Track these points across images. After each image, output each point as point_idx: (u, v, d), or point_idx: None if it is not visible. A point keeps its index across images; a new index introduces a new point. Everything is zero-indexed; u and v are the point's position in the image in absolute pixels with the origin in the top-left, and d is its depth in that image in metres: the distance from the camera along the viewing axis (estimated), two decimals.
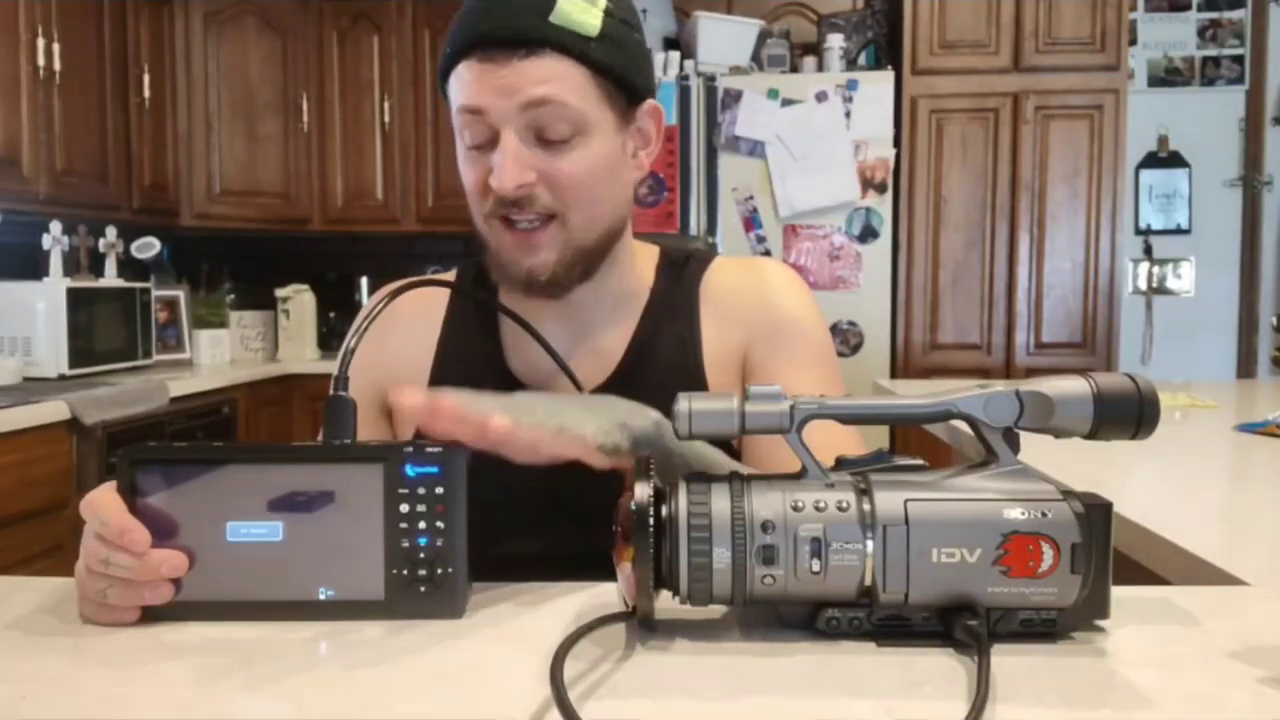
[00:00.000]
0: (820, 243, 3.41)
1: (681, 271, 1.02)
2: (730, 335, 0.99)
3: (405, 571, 0.68)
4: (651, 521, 0.60)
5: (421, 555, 0.68)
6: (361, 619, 0.67)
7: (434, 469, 0.68)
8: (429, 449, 0.68)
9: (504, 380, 0.97)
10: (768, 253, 3.40)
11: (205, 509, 0.68)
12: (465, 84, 0.87)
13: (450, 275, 1.07)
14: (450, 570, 0.68)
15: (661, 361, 0.96)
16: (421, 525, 0.68)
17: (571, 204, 0.88)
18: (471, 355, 1.00)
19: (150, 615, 0.67)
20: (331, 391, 0.73)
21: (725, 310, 1.00)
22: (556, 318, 0.97)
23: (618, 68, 0.89)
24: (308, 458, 0.69)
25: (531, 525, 0.92)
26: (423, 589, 0.68)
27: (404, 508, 0.68)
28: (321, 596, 0.68)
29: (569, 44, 0.85)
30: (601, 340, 0.98)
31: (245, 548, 0.68)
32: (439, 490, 0.68)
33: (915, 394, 0.64)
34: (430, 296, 1.02)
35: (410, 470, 0.68)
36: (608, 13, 0.88)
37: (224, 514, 0.68)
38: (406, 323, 1.00)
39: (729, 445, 0.93)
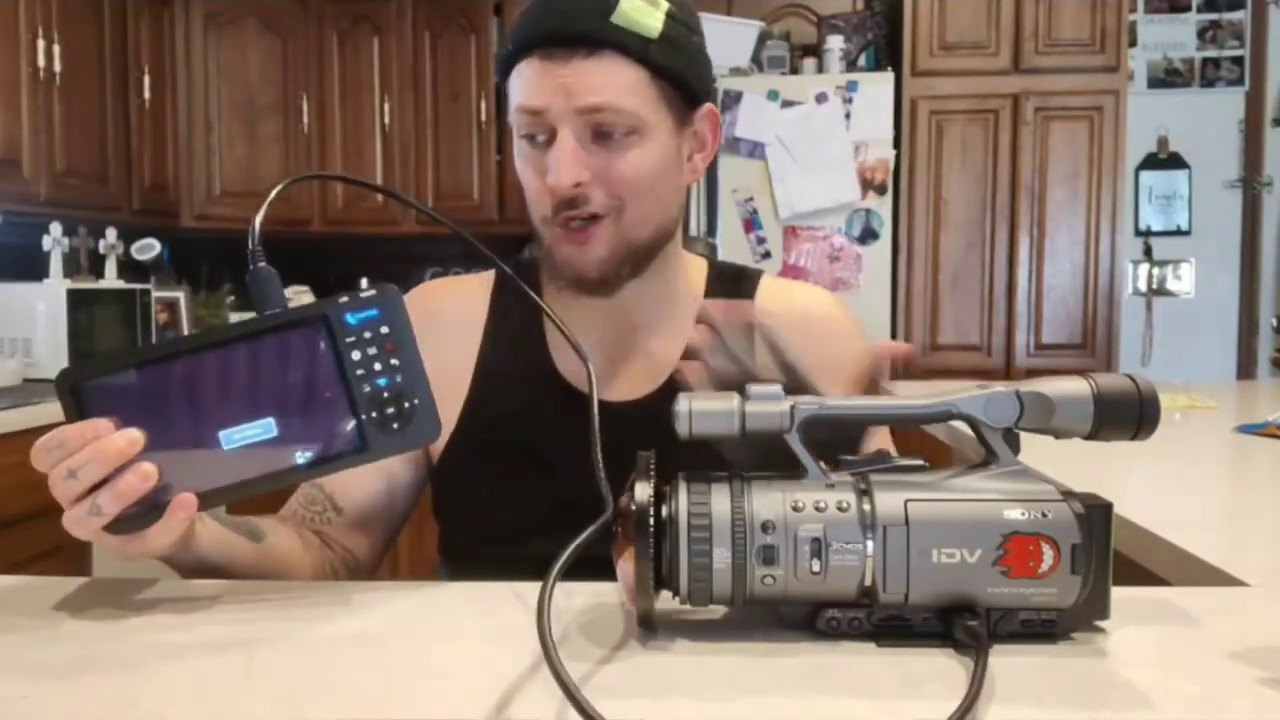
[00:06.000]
0: (820, 244, 3.41)
1: (734, 287, 1.02)
2: (794, 363, 0.98)
3: (375, 414, 0.70)
4: (651, 521, 0.60)
5: (386, 395, 0.70)
6: (348, 468, 0.70)
7: (373, 312, 0.70)
8: (361, 294, 0.70)
9: (551, 382, 0.97)
10: (767, 254, 3.40)
11: (161, 407, 0.67)
12: (525, 82, 0.88)
13: (482, 278, 1.06)
14: (416, 401, 0.70)
15: (719, 374, 0.96)
16: (377, 367, 0.70)
17: (625, 201, 0.89)
18: (517, 357, 0.99)
19: (151, 513, 0.66)
20: (251, 266, 0.72)
21: (790, 338, 0.99)
22: (605, 319, 0.96)
23: (676, 70, 0.89)
24: (250, 332, 0.69)
25: (558, 528, 0.92)
26: (396, 425, 0.70)
27: (355, 355, 0.69)
28: (300, 460, 0.69)
29: (630, 45, 0.86)
30: (653, 345, 0.98)
31: (233, 444, 0.68)
32: (384, 330, 0.70)
33: (915, 394, 0.64)
34: (471, 299, 1.02)
35: (351, 319, 0.69)
36: (669, 15, 0.88)
37: (187, 408, 0.68)
38: (447, 325, 1.00)
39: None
